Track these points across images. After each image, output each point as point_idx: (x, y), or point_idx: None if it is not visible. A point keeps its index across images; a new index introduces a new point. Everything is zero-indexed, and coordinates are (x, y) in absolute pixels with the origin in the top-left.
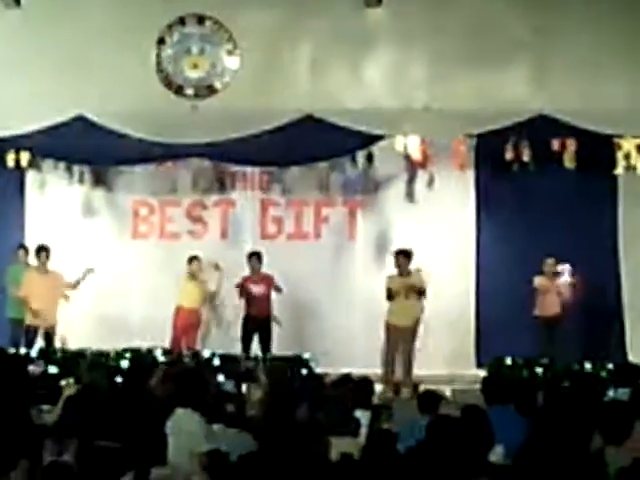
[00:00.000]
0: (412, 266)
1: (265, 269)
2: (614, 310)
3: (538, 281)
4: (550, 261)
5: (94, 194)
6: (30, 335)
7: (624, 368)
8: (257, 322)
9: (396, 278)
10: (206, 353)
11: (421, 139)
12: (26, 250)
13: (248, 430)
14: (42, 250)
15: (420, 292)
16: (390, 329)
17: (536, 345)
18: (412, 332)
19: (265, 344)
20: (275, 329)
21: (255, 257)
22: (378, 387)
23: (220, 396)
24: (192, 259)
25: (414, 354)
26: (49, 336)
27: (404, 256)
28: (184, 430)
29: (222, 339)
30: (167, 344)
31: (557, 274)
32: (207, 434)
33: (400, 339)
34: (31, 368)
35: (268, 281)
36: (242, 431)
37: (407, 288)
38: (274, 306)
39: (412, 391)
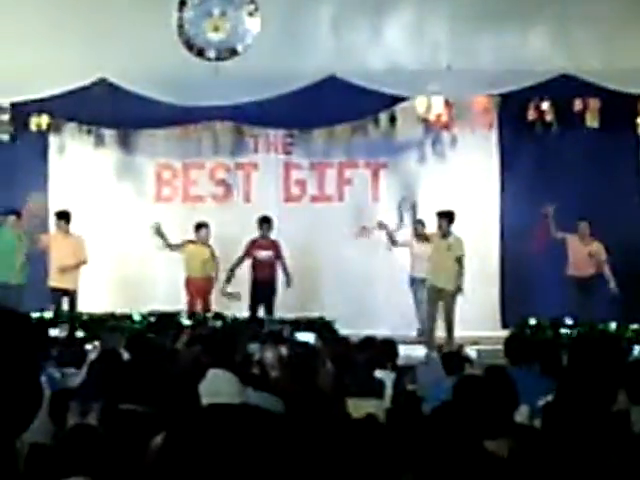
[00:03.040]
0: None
1: (288, 232)
2: None
3: (570, 240)
4: (583, 224)
5: (116, 157)
6: (56, 298)
7: None
8: (263, 286)
9: (438, 239)
10: (230, 315)
11: (444, 100)
12: (19, 215)
13: (272, 392)
14: (62, 216)
15: (458, 259)
16: (433, 292)
17: (563, 305)
18: (452, 294)
19: (268, 308)
20: (294, 291)
21: (266, 222)
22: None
23: (246, 358)
24: (200, 226)
25: (454, 315)
26: (72, 300)
27: (445, 217)
28: (219, 390)
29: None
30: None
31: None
32: (241, 395)
33: (440, 300)
34: (56, 332)
35: (276, 246)
36: (270, 394)
37: (446, 251)
38: (292, 269)
39: None
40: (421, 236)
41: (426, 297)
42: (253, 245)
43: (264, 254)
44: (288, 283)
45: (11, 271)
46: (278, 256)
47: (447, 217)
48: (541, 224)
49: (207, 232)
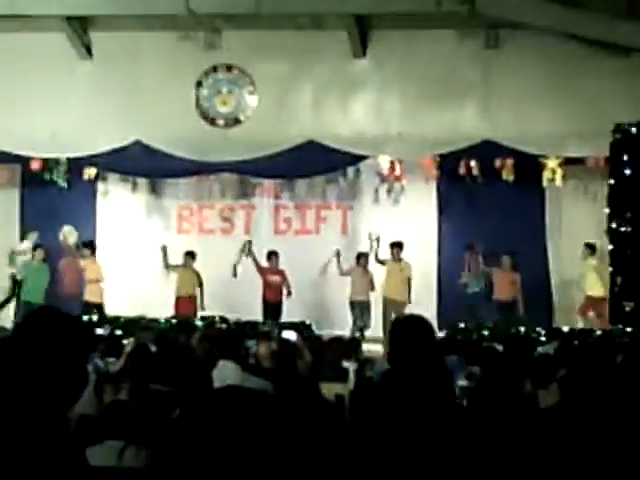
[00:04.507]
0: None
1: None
2: (544, 290)
3: (495, 272)
4: (506, 258)
5: (147, 200)
6: (88, 309)
7: (550, 330)
8: (271, 305)
9: (391, 262)
10: (233, 319)
11: (396, 159)
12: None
13: (265, 377)
14: (87, 245)
15: (408, 279)
16: (388, 303)
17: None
18: (403, 304)
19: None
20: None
21: (275, 255)
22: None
23: (245, 352)
24: (188, 254)
25: None
26: (101, 310)
27: (397, 246)
28: (227, 376)
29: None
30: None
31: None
32: (243, 379)
33: (396, 310)
34: (101, 331)
35: (282, 274)
36: (263, 379)
37: (399, 272)
38: (290, 283)
39: None
40: (379, 261)
41: (382, 308)
42: (265, 271)
43: (275, 279)
44: (289, 294)
45: (37, 293)
46: (285, 280)
47: (399, 246)
48: (471, 259)
49: (193, 260)
